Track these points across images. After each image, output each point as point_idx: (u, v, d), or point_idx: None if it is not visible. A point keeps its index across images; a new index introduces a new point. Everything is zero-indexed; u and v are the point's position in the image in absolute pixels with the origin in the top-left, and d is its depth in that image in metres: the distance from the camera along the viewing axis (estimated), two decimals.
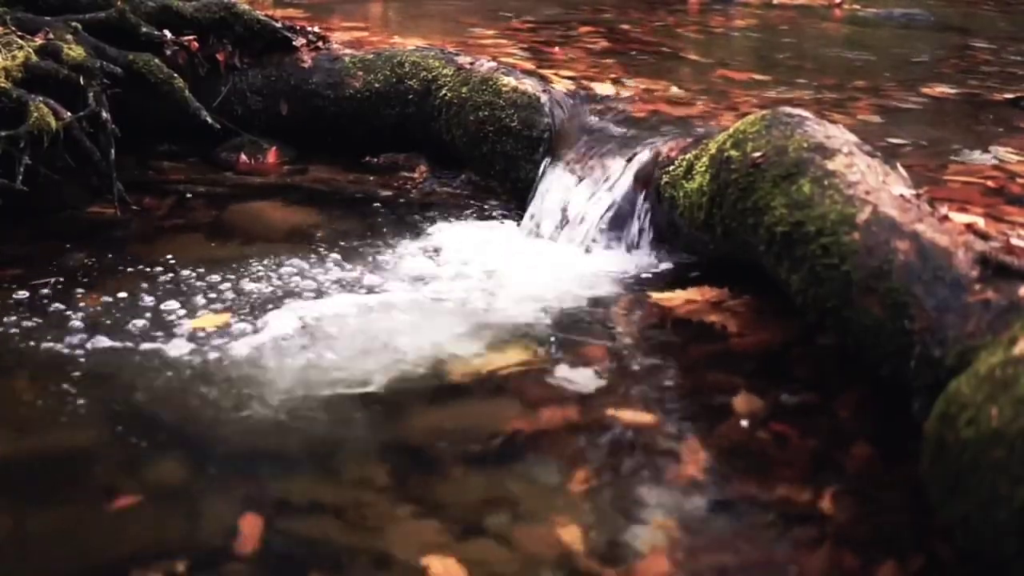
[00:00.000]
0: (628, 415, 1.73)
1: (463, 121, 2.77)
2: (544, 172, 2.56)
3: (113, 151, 2.54)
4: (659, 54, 3.88)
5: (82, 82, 2.53)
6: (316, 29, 3.13)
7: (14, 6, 2.74)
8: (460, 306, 2.11)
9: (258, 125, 2.98)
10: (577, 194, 2.44)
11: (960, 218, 1.68)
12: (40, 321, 1.99)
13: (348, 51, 3.03)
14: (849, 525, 1.46)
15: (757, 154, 1.93)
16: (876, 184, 1.77)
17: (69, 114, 2.45)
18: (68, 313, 2.02)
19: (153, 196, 2.68)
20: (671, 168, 2.28)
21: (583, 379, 1.85)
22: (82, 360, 1.85)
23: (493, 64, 2.86)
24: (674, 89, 3.09)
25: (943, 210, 1.70)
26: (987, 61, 4.06)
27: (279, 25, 3.00)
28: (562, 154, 2.55)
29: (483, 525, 1.45)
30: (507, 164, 2.69)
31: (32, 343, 1.91)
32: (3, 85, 2.39)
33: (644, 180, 2.35)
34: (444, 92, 2.83)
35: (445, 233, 2.51)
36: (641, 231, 2.35)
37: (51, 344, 1.90)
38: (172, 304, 2.06)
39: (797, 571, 1.39)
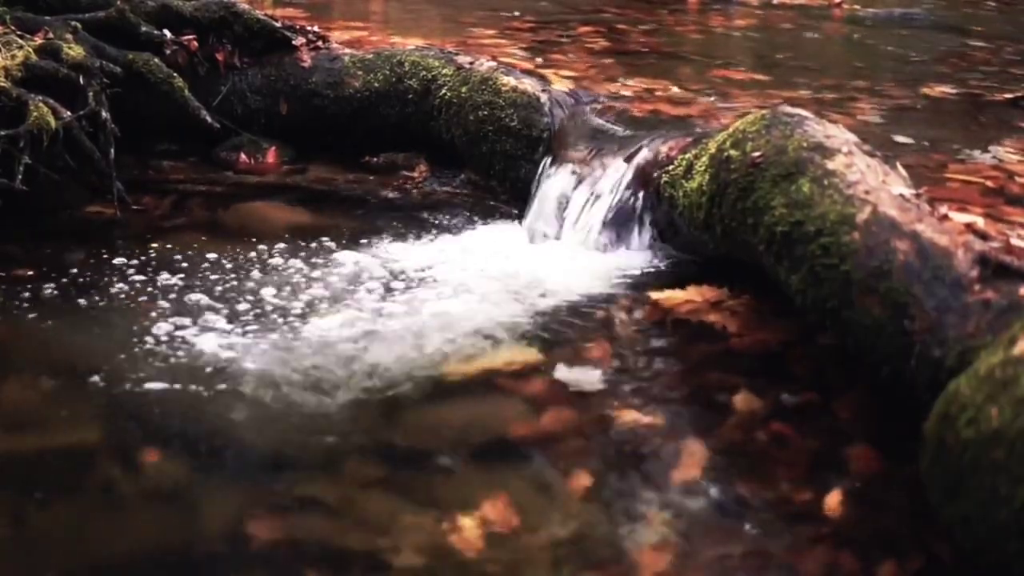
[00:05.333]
0: (628, 415, 1.73)
1: (463, 120, 2.77)
2: (544, 172, 2.56)
3: (113, 150, 2.54)
4: (659, 54, 3.88)
5: (82, 81, 2.53)
6: (316, 29, 3.13)
7: (14, 6, 2.73)
8: (460, 306, 2.11)
9: (258, 125, 2.97)
10: (577, 194, 2.44)
11: (960, 218, 1.68)
12: (40, 320, 1.99)
13: (348, 51, 3.03)
14: (849, 525, 1.46)
15: (757, 154, 1.93)
16: (876, 184, 1.76)
17: (69, 113, 2.45)
18: (68, 313, 2.01)
19: (153, 195, 2.67)
20: (671, 168, 2.28)
21: (583, 379, 1.85)
22: (83, 358, 1.85)
23: (493, 64, 2.86)
24: (674, 89, 3.09)
25: (943, 210, 1.70)
26: (987, 61, 4.06)
27: (279, 25, 3.00)
28: (562, 154, 2.55)
29: (483, 525, 1.45)
30: (507, 164, 2.69)
31: (32, 342, 1.91)
32: (3, 84, 2.39)
33: (644, 180, 2.35)
34: (444, 92, 2.83)
35: (445, 233, 2.51)
36: (641, 231, 2.35)
37: (51, 343, 1.90)
38: (171, 303, 2.06)
39: (797, 571, 1.39)
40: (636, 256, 2.34)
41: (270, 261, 2.28)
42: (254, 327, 1.98)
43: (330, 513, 1.48)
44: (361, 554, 1.40)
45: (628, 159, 2.41)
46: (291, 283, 2.18)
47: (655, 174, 2.32)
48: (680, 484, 1.55)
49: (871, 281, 1.60)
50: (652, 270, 2.29)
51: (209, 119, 2.80)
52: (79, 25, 2.70)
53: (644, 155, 2.39)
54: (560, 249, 2.39)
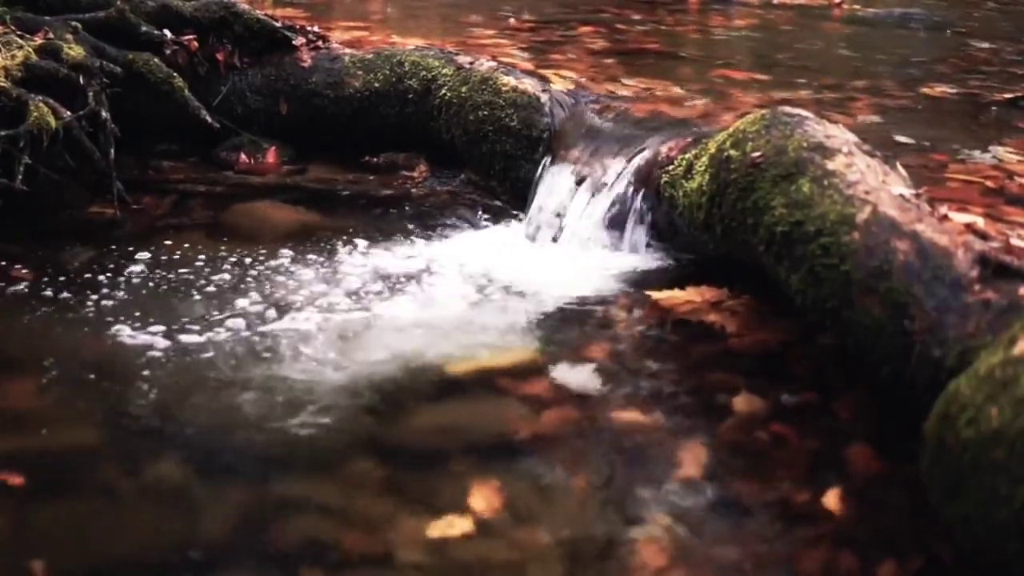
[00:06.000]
0: (628, 415, 1.73)
1: (463, 120, 2.77)
2: (544, 172, 2.56)
3: (113, 150, 2.54)
4: (659, 54, 3.88)
5: (82, 81, 2.53)
6: (316, 29, 3.13)
7: (14, 6, 2.73)
8: (459, 306, 2.11)
9: (258, 125, 2.97)
10: (577, 194, 2.44)
11: (960, 218, 1.68)
12: (40, 320, 1.99)
13: (348, 51, 3.03)
14: (849, 525, 1.46)
15: (757, 154, 1.93)
16: (876, 184, 1.76)
17: (69, 113, 2.45)
18: (68, 312, 2.01)
19: (153, 195, 2.67)
20: (671, 168, 2.28)
21: (583, 379, 1.85)
22: (83, 358, 1.85)
23: (493, 64, 2.86)
24: (674, 89, 3.09)
25: (943, 210, 1.70)
26: (987, 61, 4.06)
27: (279, 25, 3.00)
28: (562, 154, 2.55)
29: (483, 524, 1.45)
30: (507, 164, 2.69)
31: (32, 342, 1.91)
32: (3, 84, 2.39)
33: (644, 180, 2.35)
34: (444, 92, 2.83)
35: (444, 233, 2.51)
36: (641, 231, 2.35)
37: (51, 343, 1.90)
38: (171, 303, 2.06)
39: (797, 571, 1.39)
40: (636, 256, 2.34)
41: (270, 261, 2.28)
42: (254, 327, 1.98)
43: (329, 513, 1.48)
44: (360, 554, 1.40)
45: (628, 159, 2.41)
46: (291, 283, 2.18)
47: (655, 174, 2.32)
48: (680, 484, 1.55)
49: (871, 281, 1.60)
50: (652, 270, 2.29)
51: (209, 119, 2.80)
52: (79, 25, 2.70)
53: (644, 155, 2.39)
54: (560, 249, 2.39)
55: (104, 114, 2.54)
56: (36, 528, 1.44)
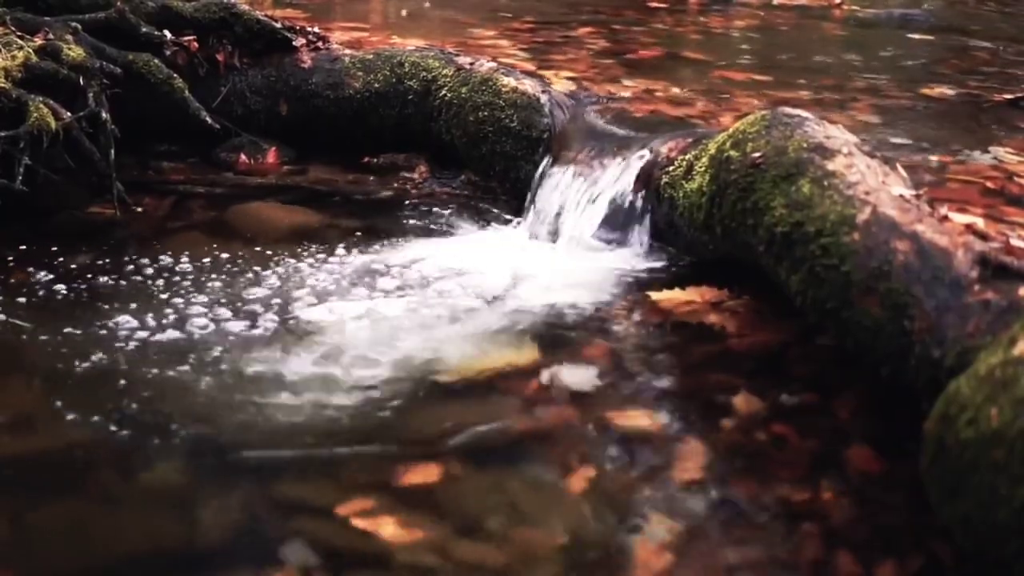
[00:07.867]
0: (627, 415, 1.73)
1: (463, 121, 2.77)
2: (544, 172, 2.56)
3: (113, 151, 2.54)
4: (659, 54, 3.88)
5: (82, 82, 2.53)
6: (316, 29, 3.13)
7: (14, 6, 2.73)
8: (460, 306, 2.11)
9: (258, 125, 2.97)
10: (577, 194, 2.44)
11: (960, 218, 1.68)
12: (40, 320, 1.99)
13: (348, 51, 3.03)
14: (848, 525, 1.46)
15: (757, 154, 1.93)
16: (876, 184, 1.77)
17: (69, 114, 2.45)
18: (68, 313, 2.01)
19: (153, 196, 2.67)
20: (671, 168, 2.28)
21: (583, 379, 1.85)
22: (82, 359, 1.85)
23: (493, 64, 2.86)
24: (674, 89, 3.09)
25: (943, 210, 1.70)
26: (987, 61, 4.06)
27: (279, 25, 3.00)
28: (562, 154, 2.55)
29: (483, 525, 1.45)
30: (507, 164, 2.69)
31: (32, 342, 1.91)
32: (3, 85, 2.39)
33: (644, 180, 2.35)
34: (444, 92, 2.83)
35: (444, 234, 2.51)
36: (640, 231, 2.35)
37: (51, 343, 1.90)
38: (171, 304, 2.06)
39: (796, 571, 1.39)
40: (636, 257, 2.34)
41: (270, 261, 2.28)
42: (254, 327, 1.98)
43: (328, 514, 1.48)
44: (360, 555, 1.40)
45: (628, 160, 2.41)
46: (290, 283, 2.18)
47: (655, 175, 2.33)
48: (680, 484, 1.55)
49: (871, 282, 1.60)
50: (652, 270, 2.29)
51: (209, 120, 2.80)
52: (79, 26, 2.69)
53: (644, 156, 2.39)
54: (560, 250, 2.39)
55: (104, 115, 2.53)
56: (36, 529, 1.44)
